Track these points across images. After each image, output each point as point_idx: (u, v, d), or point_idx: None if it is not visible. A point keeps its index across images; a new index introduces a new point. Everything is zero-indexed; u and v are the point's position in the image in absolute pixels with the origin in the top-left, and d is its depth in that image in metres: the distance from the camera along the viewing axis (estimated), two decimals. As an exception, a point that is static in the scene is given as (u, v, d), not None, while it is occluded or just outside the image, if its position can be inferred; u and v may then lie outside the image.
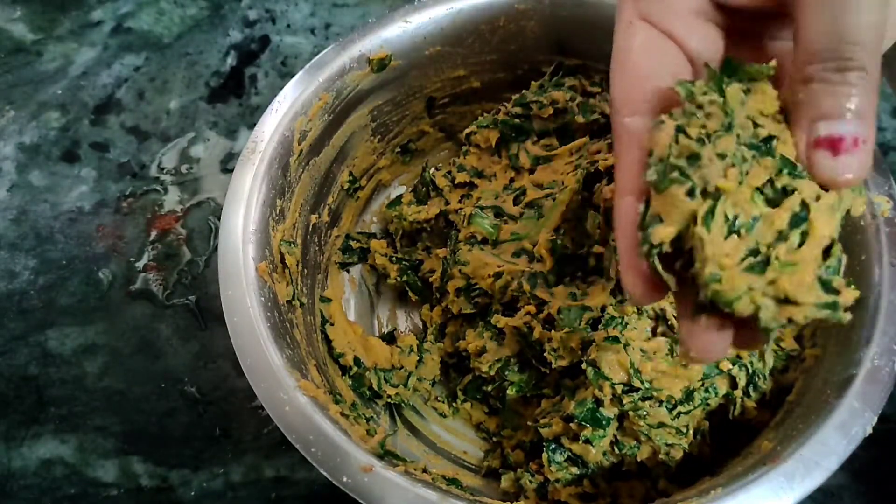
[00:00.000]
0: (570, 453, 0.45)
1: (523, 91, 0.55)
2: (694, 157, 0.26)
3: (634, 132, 0.29)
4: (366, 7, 0.75)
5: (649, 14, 0.29)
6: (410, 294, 0.57)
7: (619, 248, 0.28)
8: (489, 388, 0.52)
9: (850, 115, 0.25)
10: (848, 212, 0.28)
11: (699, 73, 0.30)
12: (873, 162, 0.44)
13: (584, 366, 0.45)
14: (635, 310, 0.48)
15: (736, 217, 0.26)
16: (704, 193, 0.26)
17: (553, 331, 0.47)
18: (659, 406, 0.44)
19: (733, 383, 0.46)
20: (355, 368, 0.51)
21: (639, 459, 0.45)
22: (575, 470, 0.45)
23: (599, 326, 0.47)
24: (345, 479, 0.37)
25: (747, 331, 0.27)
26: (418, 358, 0.53)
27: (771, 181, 0.26)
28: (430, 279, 0.54)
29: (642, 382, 0.44)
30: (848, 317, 0.26)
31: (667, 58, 0.29)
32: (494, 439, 0.53)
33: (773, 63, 0.28)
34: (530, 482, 0.46)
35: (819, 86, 0.25)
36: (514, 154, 0.55)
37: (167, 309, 0.59)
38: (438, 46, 0.53)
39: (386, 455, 0.40)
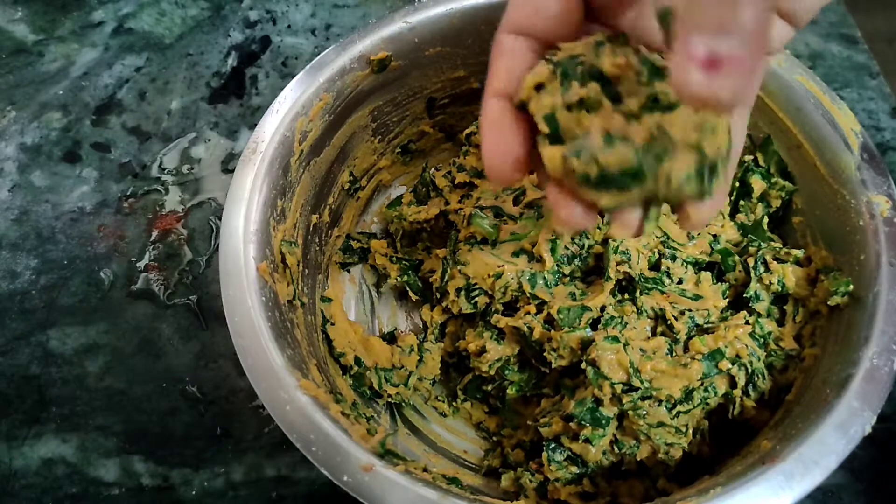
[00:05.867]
0: (569, 452, 0.45)
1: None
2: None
3: (512, 49, 0.31)
4: (366, 8, 0.75)
5: None
6: (411, 294, 0.57)
7: (485, 131, 0.31)
8: (489, 388, 0.52)
9: (736, 28, 0.22)
10: None
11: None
12: (871, 159, 0.45)
13: (583, 365, 0.45)
14: (635, 310, 0.48)
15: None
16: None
17: (553, 331, 0.48)
18: (658, 405, 0.44)
19: (732, 383, 0.46)
20: (356, 368, 0.51)
21: (638, 459, 0.45)
22: (575, 469, 0.45)
23: (599, 326, 0.47)
24: (345, 479, 0.37)
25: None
26: (419, 357, 0.53)
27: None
28: (431, 279, 0.54)
29: (642, 382, 0.44)
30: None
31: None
32: (494, 438, 0.53)
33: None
34: (530, 481, 0.46)
35: None
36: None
37: (168, 309, 0.59)
38: (438, 47, 0.53)
39: (386, 454, 0.40)
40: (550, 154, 0.29)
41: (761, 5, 0.23)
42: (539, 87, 0.30)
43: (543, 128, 0.30)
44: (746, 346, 0.46)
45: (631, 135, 0.28)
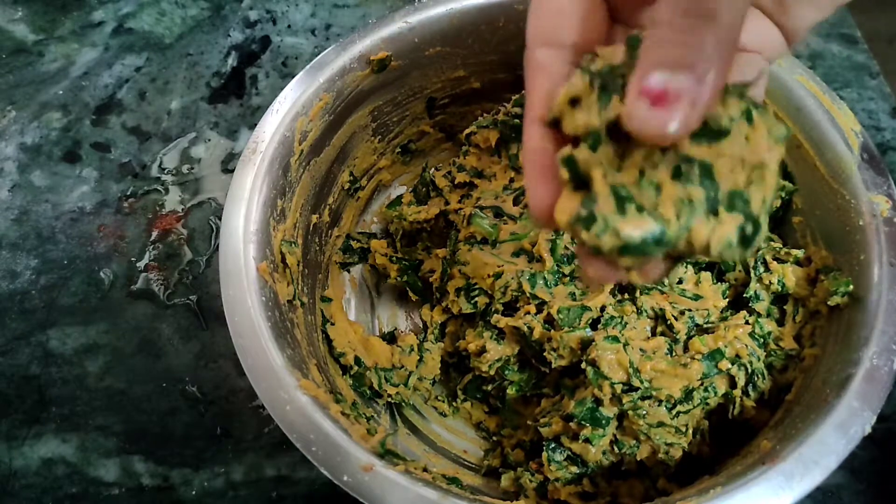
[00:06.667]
0: (569, 452, 0.45)
1: (523, 91, 0.55)
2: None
3: (545, 63, 0.29)
4: (366, 8, 0.75)
5: None
6: (411, 294, 0.57)
7: (525, 167, 0.28)
8: (489, 388, 0.52)
9: (687, 67, 0.23)
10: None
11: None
12: (871, 159, 0.45)
13: (583, 365, 0.45)
14: (635, 309, 0.48)
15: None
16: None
17: (553, 331, 0.47)
18: (658, 405, 0.44)
19: (732, 383, 0.46)
20: (356, 368, 0.51)
21: (638, 459, 0.45)
22: (575, 469, 0.45)
23: (599, 326, 0.47)
24: (345, 479, 0.37)
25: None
26: (419, 357, 0.53)
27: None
28: (430, 279, 0.54)
29: (642, 382, 0.44)
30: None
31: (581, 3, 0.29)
32: (494, 438, 0.53)
33: None
34: (530, 481, 0.46)
35: (665, 30, 0.23)
36: (514, 154, 0.55)
37: (168, 309, 0.59)
38: (438, 47, 0.53)
39: (386, 454, 0.40)
40: (559, 215, 0.25)
41: (718, 46, 0.23)
42: (575, 102, 0.26)
43: (563, 172, 0.25)
44: (746, 346, 0.46)
45: (659, 180, 0.23)
